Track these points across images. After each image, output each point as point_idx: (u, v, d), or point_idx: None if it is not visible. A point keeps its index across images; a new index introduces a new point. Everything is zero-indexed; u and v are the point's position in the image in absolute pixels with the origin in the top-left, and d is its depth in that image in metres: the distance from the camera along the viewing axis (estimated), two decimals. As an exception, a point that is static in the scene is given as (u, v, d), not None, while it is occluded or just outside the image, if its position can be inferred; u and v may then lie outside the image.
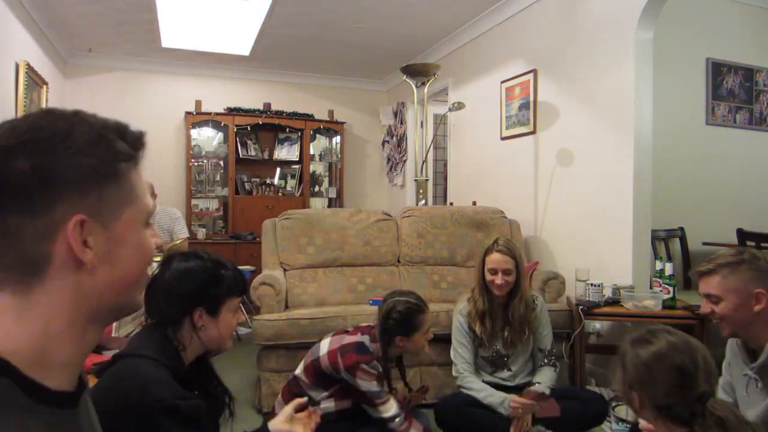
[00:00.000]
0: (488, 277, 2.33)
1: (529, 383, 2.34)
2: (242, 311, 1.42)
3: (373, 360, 2.05)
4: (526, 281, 2.47)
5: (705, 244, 3.58)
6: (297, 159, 6.01)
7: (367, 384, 2.03)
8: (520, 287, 2.35)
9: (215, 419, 1.39)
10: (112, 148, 0.60)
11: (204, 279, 1.35)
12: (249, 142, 5.89)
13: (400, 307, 2.08)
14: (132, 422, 1.08)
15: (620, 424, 2.53)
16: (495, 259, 2.31)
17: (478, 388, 2.30)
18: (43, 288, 0.58)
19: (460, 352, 2.41)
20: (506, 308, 2.37)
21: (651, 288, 2.85)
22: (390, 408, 2.05)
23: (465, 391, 2.32)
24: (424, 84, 3.95)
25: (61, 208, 0.57)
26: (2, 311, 0.58)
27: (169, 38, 4.91)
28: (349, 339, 2.11)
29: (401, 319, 2.06)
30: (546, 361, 2.38)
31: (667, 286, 2.73)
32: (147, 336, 1.32)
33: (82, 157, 0.57)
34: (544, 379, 2.32)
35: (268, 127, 5.85)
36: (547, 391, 2.23)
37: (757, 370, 1.53)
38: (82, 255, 0.58)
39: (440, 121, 5.09)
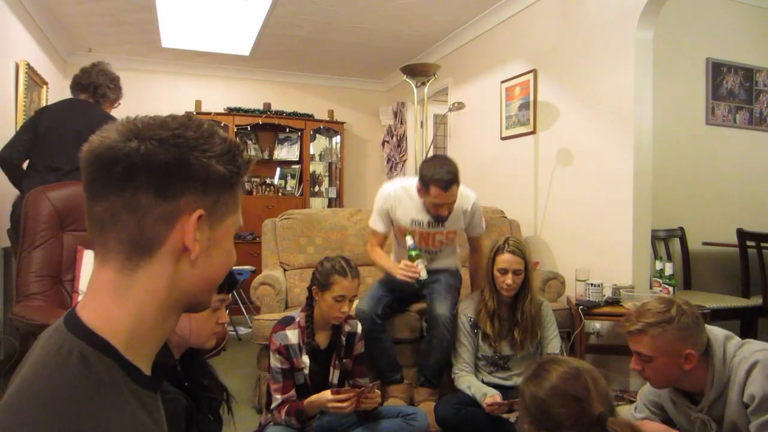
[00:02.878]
0: (498, 276, 2.33)
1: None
2: (224, 310, 1.39)
3: (284, 330, 2.07)
4: (535, 282, 2.48)
5: (705, 244, 3.58)
6: (297, 159, 6.01)
7: (272, 358, 2.05)
8: (529, 288, 2.36)
9: (214, 414, 1.39)
10: (236, 161, 0.68)
11: None
12: (249, 142, 5.90)
13: (325, 263, 2.14)
14: None
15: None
16: (506, 259, 2.31)
17: (466, 382, 2.33)
18: (148, 269, 0.63)
19: (460, 351, 2.42)
20: (513, 309, 2.38)
21: (651, 288, 2.85)
22: (275, 400, 2.04)
23: (458, 387, 2.35)
24: (424, 84, 3.95)
25: (186, 199, 0.63)
26: (103, 287, 0.63)
27: (169, 38, 4.91)
28: None
29: (321, 271, 2.11)
30: None
31: (667, 286, 2.73)
32: None
33: (217, 163, 0.65)
34: None
35: (268, 127, 5.85)
36: None
37: (707, 412, 1.53)
38: (192, 245, 0.64)
39: (440, 121, 5.09)
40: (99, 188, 0.62)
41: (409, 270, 2.44)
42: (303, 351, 2.08)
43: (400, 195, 2.64)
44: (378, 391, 2.07)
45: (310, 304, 2.14)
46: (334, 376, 2.17)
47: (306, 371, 2.08)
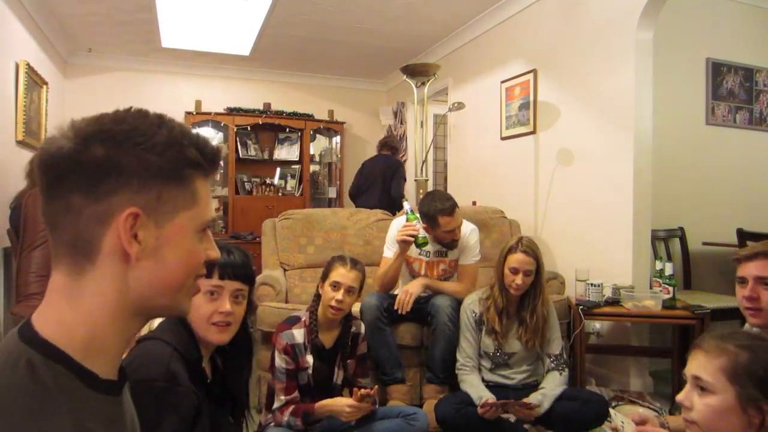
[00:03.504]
0: (508, 276, 2.33)
1: (536, 387, 2.34)
2: (225, 299, 1.33)
3: (290, 329, 2.07)
4: (545, 283, 2.49)
5: (705, 244, 3.57)
6: (297, 159, 6.02)
7: (277, 358, 2.05)
8: (541, 289, 2.37)
9: (235, 417, 1.39)
10: (182, 153, 0.63)
11: None
12: (249, 142, 5.89)
13: (333, 257, 2.23)
14: (134, 398, 1.11)
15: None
16: (518, 258, 2.31)
17: (468, 380, 2.35)
18: (93, 273, 0.61)
19: (464, 346, 2.43)
20: (520, 308, 2.39)
21: (651, 288, 2.85)
22: (279, 400, 2.02)
23: (459, 382, 2.37)
24: (424, 84, 3.95)
25: (119, 198, 0.60)
26: (56, 292, 0.62)
27: (169, 38, 4.91)
28: None
29: (326, 264, 2.20)
30: (553, 365, 2.39)
31: (667, 286, 2.73)
32: (167, 321, 1.33)
33: (150, 155, 0.61)
34: (550, 385, 2.32)
35: (268, 127, 5.85)
36: (541, 404, 2.24)
37: None
38: (128, 246, 0.61)
39: (440, 121, 5.09)
40: (44, 192, 0.62)
41: (408, 229, 2.55)
42: (308, 350, 2.08)
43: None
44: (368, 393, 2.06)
45: (315, 302, 2.15)
46: (338, 376, 2.18)
47: (310, 371, 2.08)
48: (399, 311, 2.56)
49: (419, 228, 2.57)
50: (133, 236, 0.61)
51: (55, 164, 0.60)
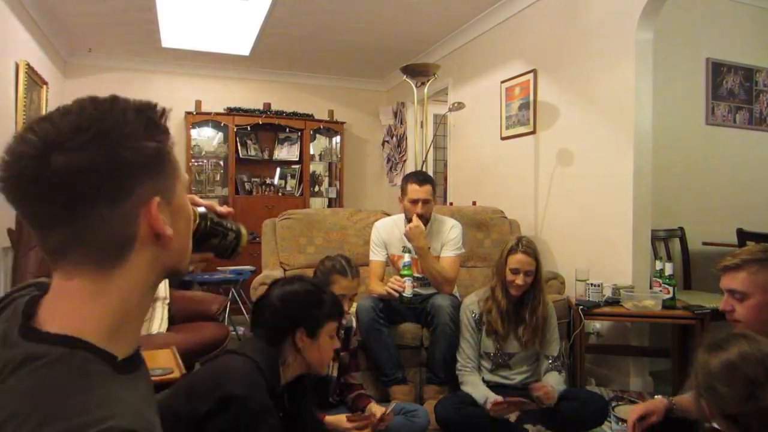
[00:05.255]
0: (509, 276, 2.33)
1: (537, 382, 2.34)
2: (338, 337, 1.55)
3: None
4: (544, 282, 2.49)
5: (705, 244, 3.57)
6: (297, 159, 6.01)
7: None
8: (540, 289, 2.38)
9: None
10: (160, 126, 0.64)
11: (307, 301, 1.49)
12: (249, 142, 5.89)
13: (326, 261, 2.25)
14: (211, 404, 1.20)
15: (620, 424, 2.52)
16: (519, 259, 2.32)
17: (469, 381, 2.35)
18: (126, 267, 0.62)
19: (464, 347, 2.44)
20: (519, 308, 2.39)
21: (651, 288, 2.85)
22: None
23: (460, 383, 2.37)
24: (424, 84, 3.95)
25: (138, 191, 0.60)
26: (77, 296, 0.60)
27: (169, 38, 4.90)
28: None
29: (322, 270, 2.23)
30: (552, 366, 2.39)
31: (667, 286, 2.73)
32: (254, 342, 1.44)
33: (146, 141, 0.61)
34: (552, 381, 2.32)
35: (268, 127, 5.85)
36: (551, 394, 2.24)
37: None
38: (165, 230, 0.63)
39: (440, 121, 5.09)
40: (46, 220, 0.58)
41: (396, 283, 2.54)
42: None
43: (389, 226, 2.89)
44: (383, 409, 2.06)
45: None
46: (334, 368, 2.18)
47: None
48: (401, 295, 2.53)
49: (408, 286, 2.53)
50: (162, 220, 0.63)
51: (56, 184, 0.56)
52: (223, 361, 1.37)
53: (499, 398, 2.19)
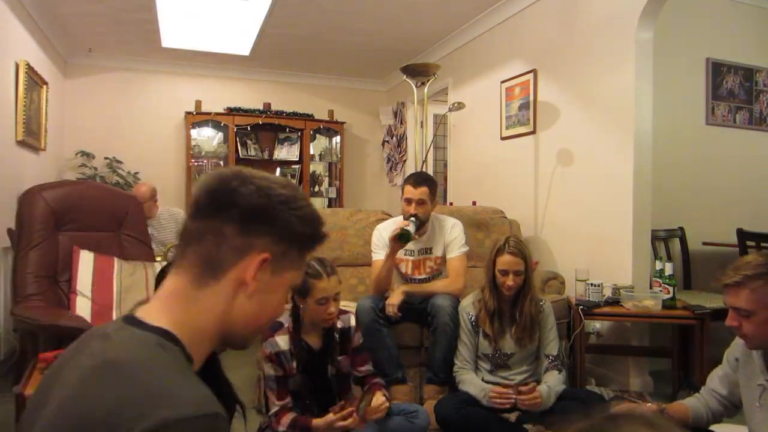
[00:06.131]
0: (499, 277, 2.34)
1: (536, 383, 2.34)
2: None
3: (273, 337, 2.02)
4: (534, 280, 2.50)
5: (705, 244, 3.57)
6: (297, 159, 6.01)
7: (266, 366, 2.02)
8: (530, 287, 2.37)
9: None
10: (318, 230, 0.80)
11: None
12: (249, 142, 5.89)
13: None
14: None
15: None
16: (506, 260, 2.32)
17: (466, 379, 2.35)
18: (213, 289, 0.73)
19: (460, 349, 2.44)
20: (514, 307, 2.39)
21: (651, 288, 2.85)
22: (274, 405, 2.00)
23: (457, 383, 2.37)
24: (424, 84, 3.95)
25: (261, 241, 0.74)
26: (173, 294, 0.73)
27: (169, 38, 4.91)
28: None
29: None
30: (551, 366, 2.39)
31: (667, 286, 2.73)
32: None
33: (296, 221, 0.76)
34: (552, 381, 2.32)
35: (268, 127, 5.85)
36: (549, 396, 2.24)
37: None
38: (250, 280, 0.74)
39: (440, 121, 5.09)
40: (199, 209, 0.74)
41: (402, 223, 2.66)
42: (294, 356, 2.04)
43: (391, 228, 2.84)
44: (384, 399, 2.03)
45: (295, 312, 2.07)
46: (332, 372, 2.16)
47: (299, 376, 2.05)
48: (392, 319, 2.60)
49: (411, 227, 2.61)
50: (256, 274, 0.73)
51: (226, 196, 0.73)
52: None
53: (498, 387, 2.21)
